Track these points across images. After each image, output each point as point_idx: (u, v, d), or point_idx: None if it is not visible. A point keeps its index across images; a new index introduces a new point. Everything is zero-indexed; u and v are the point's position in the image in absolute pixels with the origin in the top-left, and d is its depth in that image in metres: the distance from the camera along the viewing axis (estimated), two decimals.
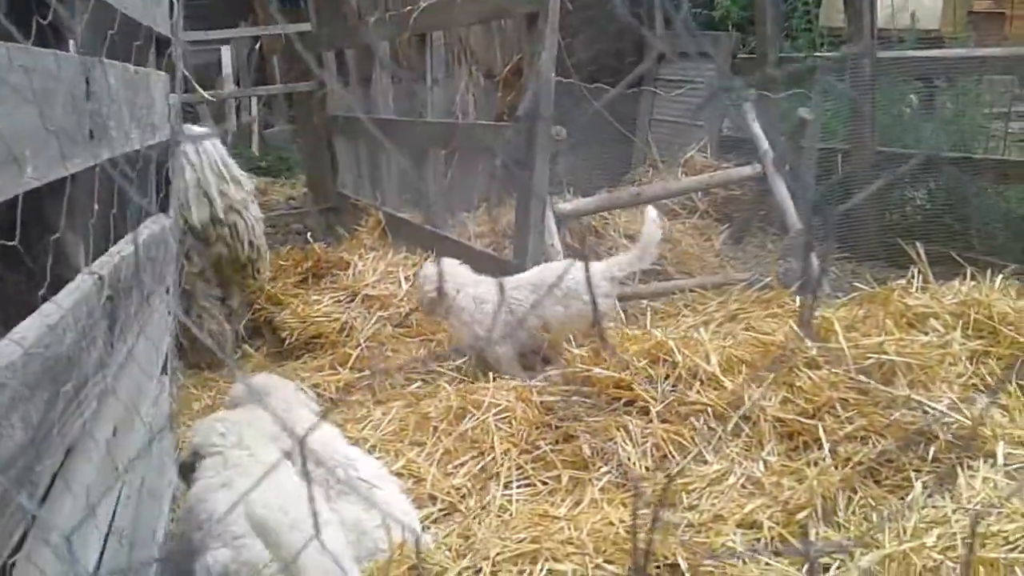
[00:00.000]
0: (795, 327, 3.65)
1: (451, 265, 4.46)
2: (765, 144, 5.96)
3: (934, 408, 3.17)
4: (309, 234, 7.04)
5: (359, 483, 2.88)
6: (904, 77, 6.54)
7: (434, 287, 4.34)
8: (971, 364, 3.50)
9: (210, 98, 5.72)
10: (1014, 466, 2.93)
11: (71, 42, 1.68)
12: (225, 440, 2.69)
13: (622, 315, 4.63)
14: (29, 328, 1.09)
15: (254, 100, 12.35)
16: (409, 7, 5.82)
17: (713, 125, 7.44)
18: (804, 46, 7.97)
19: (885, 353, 3.44)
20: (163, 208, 2.53)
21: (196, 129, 5.00)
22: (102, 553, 1.41)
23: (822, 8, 10.04)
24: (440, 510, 3.11)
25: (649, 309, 4.79)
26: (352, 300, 5.30)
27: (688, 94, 7.53)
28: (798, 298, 4.34)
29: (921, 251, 4.44)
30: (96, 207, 1.56)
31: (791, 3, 8.44)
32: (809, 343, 3.45)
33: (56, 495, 1.18)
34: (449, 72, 6.73)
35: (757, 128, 6.05)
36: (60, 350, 1.18)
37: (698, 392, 3.38)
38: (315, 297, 5.37)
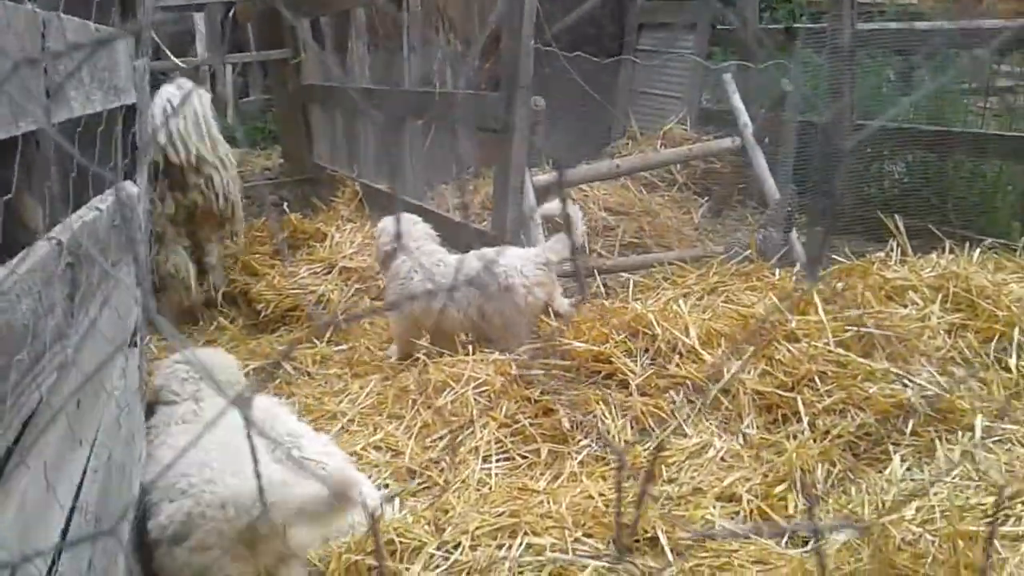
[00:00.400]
0: (776, 300, 3.63)
1: (409, 223, 4.40)
2: (745, 116, 5.92)
3: (913, 381, 3.16)
4: (285, 205, 6.95)
5: (301, 460, 2.83)
6: (883, 50, 6.51)
7: (390, 242, 4.28)
8: (949, 337, 3.49)
9: (183, 65, 5.58)
10: (992, 439, 2.93)
11: None
12: (183, 389, 2.71)
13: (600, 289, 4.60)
14: None
15: (228, 68, 12.14)
16: None
17: (692, 97, 7.38)
18: (784, 17, 7.92)
19: (864, 325, 3.42)
20: (129, 175, 2.45)
21: (187, 83, 5.14)
22: (65, 529, 1.35)
23: None
24: (420, 484, 3.07)
25: (629, 282, 4.74)
26: (329, 272, 5.24)
27: (667, 65, 7.47)
28: (778, 271, 4.31)
29: (900, 224, 4.42)
30: (54, 170, 1.49)
31: None
32: (788, 316, 3.43)
33: (10, 470, 1.12)
34: (426, 40, 6.62)
35: (737, 100, 6.00)
36: (13, 317, 1.11)
37: (677, 365, 3.35)
38: (291, 268, 5.31)
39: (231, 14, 12.10)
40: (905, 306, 3.61)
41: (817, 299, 3.54)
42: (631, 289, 4.66)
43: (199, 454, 2.38)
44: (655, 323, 3.48)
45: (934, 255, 4.17)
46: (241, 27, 12.15)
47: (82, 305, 1.52)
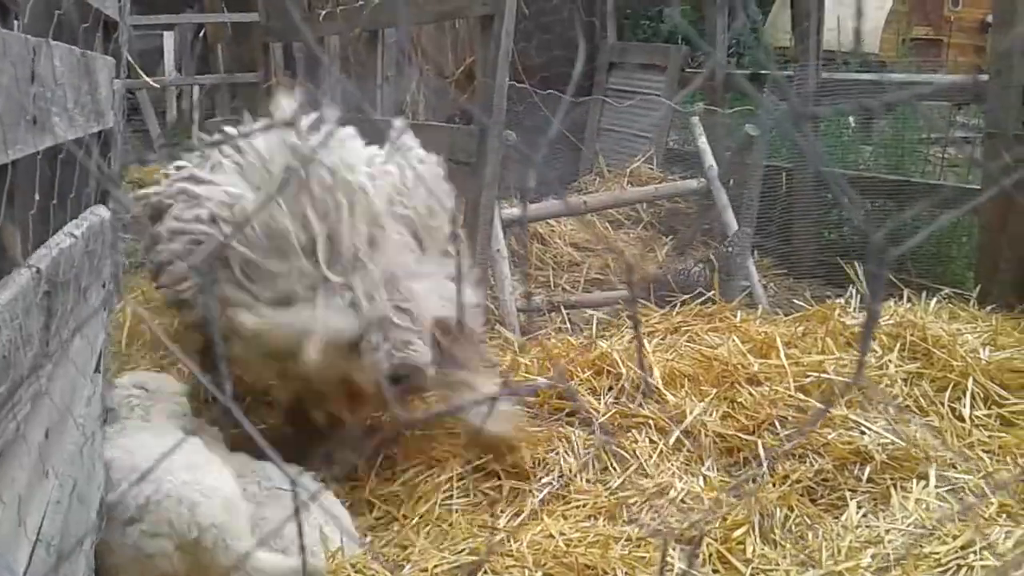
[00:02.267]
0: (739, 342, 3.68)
1: None
2: (710, 158, 6.01)
3: (870, 428, 3.22)
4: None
5: (292, 491, 2.82)
6: (846, 99, 6.67)
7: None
8: (906, 386, 3.56)
9: (154, 84, 5.55)
10: (946, 488, 2.99)
11: (16, 20, 1.60)
12: (132, 414, 2.78)
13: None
14: None
15: (195, 88, 12.08)
16: (361, 2, 5.75)
17: (659, 137, 7.49)
18: (751, 63, 8.08)
19: (825, 372, 3.48)
20: (101, 199, 2.43)
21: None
22: (28, 565, 1.33)
23: (768, 26, 10.22)
24: (377, 519, 3.05)
25: (593, 318, 4.78)
26: None
27: (637, 105, 7.58)
28: (739, 313, 4.37)
29: (860, 271, 4.52)
30: (36, 198, 1.48)
31: (739, 21, 8.55)
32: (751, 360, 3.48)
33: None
34: (400, 70, 6.65)
35: (703, 142, 6.10)
36: None
37: (640, 405, 3.38)
38: None
39: (201, 34, 12.07)
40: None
41: (779, 343, 3.60)
42: (595, 326, 4.70)
43: (160, 447, 2.50)
44: (620, 362, 3.51)
45: (892, 303, 4.26)
46: (210, 47, 12.13)
47: (56, 333, 1.51)
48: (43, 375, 1.37)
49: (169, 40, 11.88)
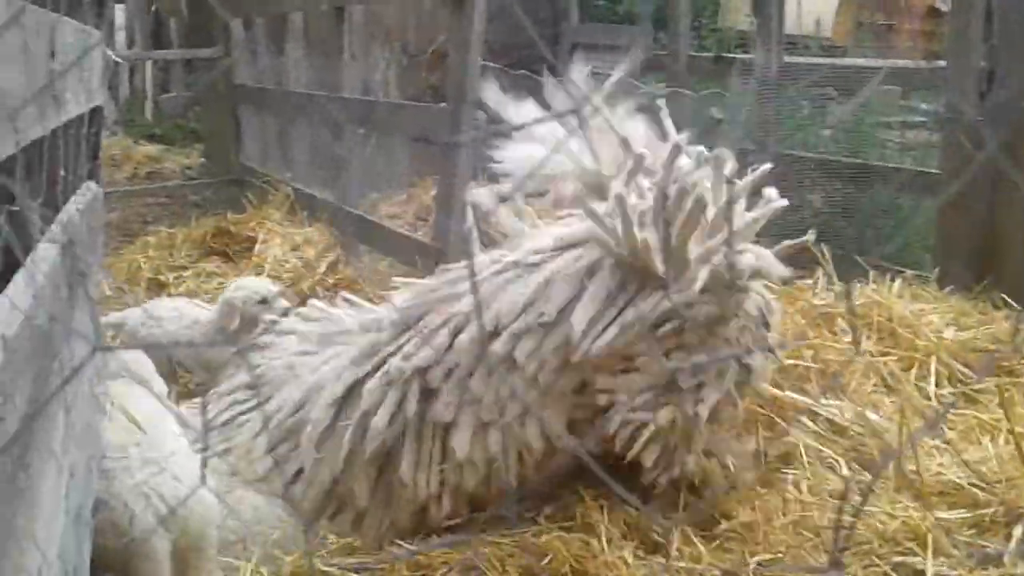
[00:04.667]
0: None
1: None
2: None
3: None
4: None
5: None
6: (807, 83, 6.79)
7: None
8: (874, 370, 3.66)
9: (119, 60, 5.46)
10: None
11: None
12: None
13: None
14: (16, 296, 1.03)
15: (148, 63, 11.87)
16: None
17: None
18: (712, 47, 8.18)
19: (800, 358, 3.56)
20: (92, 176, 2.42)
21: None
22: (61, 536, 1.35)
23: (725, 9, 10.33)
24: None
25: None
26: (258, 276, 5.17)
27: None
28: None
29: (827, 252, 4.62)
30: (47, 173, 1.48)
31: (700, 3, 8.65)
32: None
33: (39, 468, 1.12)
34: (367, 48, 6.62)
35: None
36: (43, 322, 1.12)
37: None
38: (211, 270, 5.23)
39: (153, 8, 11.86)
40: (835, 333, 3.78)
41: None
42: None
43: (119, 438, 2.36)
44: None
45: (858, 284, 4.37)
46: (163, 22, 11.92)
47: (74, 308, 1.51)
48: (71, 348, 1.38)
49: (120, 13, 11.65)
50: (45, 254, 1.32)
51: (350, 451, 2.66)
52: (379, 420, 2.61)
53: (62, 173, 1.58)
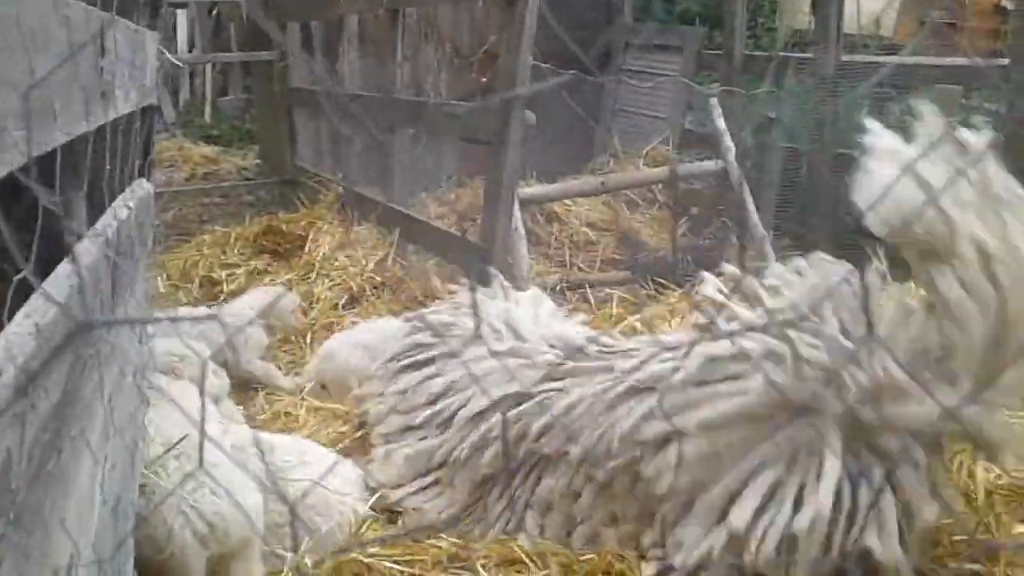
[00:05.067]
0: None
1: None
2: (728, 140, 6.02)
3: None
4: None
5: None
6: (863, 81, 6.66)
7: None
8: None
9: (180, 63, 5.58)
10: None
11: None
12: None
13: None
14: (54, 287, 1.06)
15: (208, 66, 12.09)
16: None
17: (676, 118, 7.49)
18: (768, 46, 8.07)
19: None
20: (143, 173, 2.47)
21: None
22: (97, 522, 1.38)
23: (786, 9, 10.18)
24: None
25: (613, 296, 4.83)
26: (308, 275, 5.24)
27: (653, 86, 7.58)
28: None
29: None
30: (107, 167, 1.52)
31: (757, 2, 8.54)
32: None
33: (67, 459, 1.15)
34: (419, 50, 6.67)
35: (721, 123, 6.11)
36: (80, 313, 1.14)
37: None
38: (262, 267, 5.32)
39: (215, 12, 12.08)
40: None
41: None
42: (614, 304, 4.75)
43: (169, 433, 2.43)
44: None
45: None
46: (224, 25, 12.13)
47: (119, 301, 1.55)
48: (111, 339, 1.41)
49: (182, 17, 11.90)
50: (88, 247, 1.35)
51: None
52: None
53: (109, 169, 1.61)
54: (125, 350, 1.77)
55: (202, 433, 2.50)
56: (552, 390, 2.78)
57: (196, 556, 2.30)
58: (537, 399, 2.77)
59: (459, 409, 3.02)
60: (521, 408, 2.77)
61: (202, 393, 3.09)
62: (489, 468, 2.84)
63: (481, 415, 2.95)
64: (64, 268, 1.18)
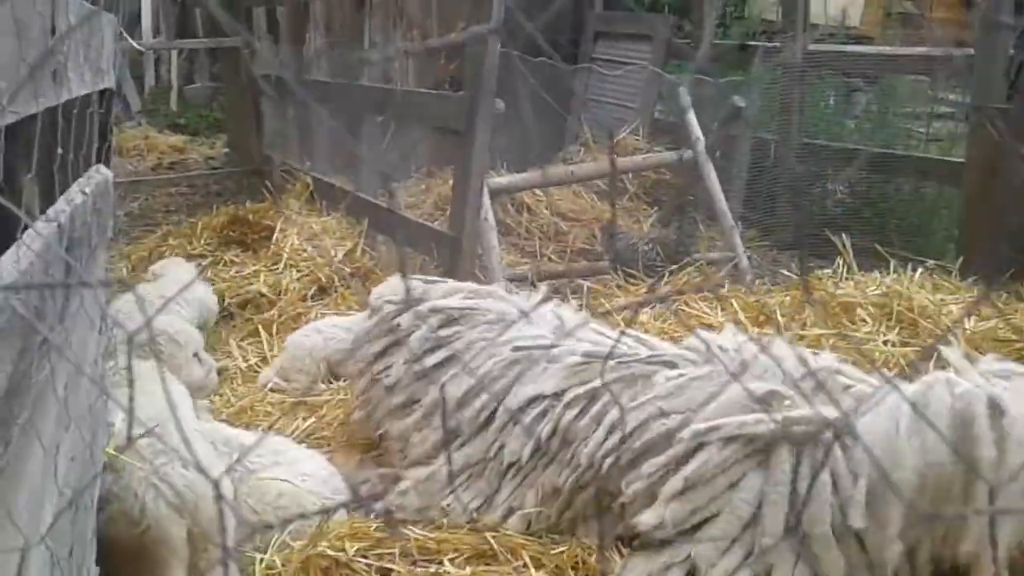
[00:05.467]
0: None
1: None
2: (697, 130, 6.02)
3: None
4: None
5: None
6: (831, 72, 6.70)
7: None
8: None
9: (142, 48, 5.48)
10: None
11: None
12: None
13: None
14: (3, 268, 1.02)
15: (174, 53, 11.91)
16: None
17: (646, 108, 7.49)
18: (737, 35, 8.09)
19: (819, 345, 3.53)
20: (101, 159, 2.41)
21: None
22: (54, 515, 1.34)
23: None
24: None
25: (585, 287, 4.82)
26: (276, 266, 5.18)
27: (623, 75, 7.57)
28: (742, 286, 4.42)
29: (847, 242, 4.57)
30: (58, 151, 1.47)
31: None
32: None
33: (17, 451, 1.11)
34: (387, 37, 6.60)
35: (690, 113, 6.11)
36: (27, 300, 1.11)
37: None
38: (229, 258, 5.25)
39: None
40: (853, 323, 3.74)
41: (779, 315, 3.65)
42: (585, 295, 4.75)
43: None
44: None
45: (877, 274, 4.32)
46: (189, 11, 11.94)
47: (75, 289, 1.51)
48: (66, 327, 1.37)
49: (147, 3, 11.69)
50: (39, 232, 1.31)
51: None
52: None
53: (62, 153, 1.57)
54: (83, 339, 1.73)
55: (172, 407, 2.49)
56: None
57: (174, 527, 2.30)
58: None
59: (498, 405, 2.79)
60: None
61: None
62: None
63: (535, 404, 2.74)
64: (11, 252, 1.14)
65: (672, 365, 2.61)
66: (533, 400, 2.72)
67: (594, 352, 2.76)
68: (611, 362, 2.66)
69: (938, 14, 13.07)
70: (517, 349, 2.84)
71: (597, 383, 2.64)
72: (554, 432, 2.64)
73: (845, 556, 2.19)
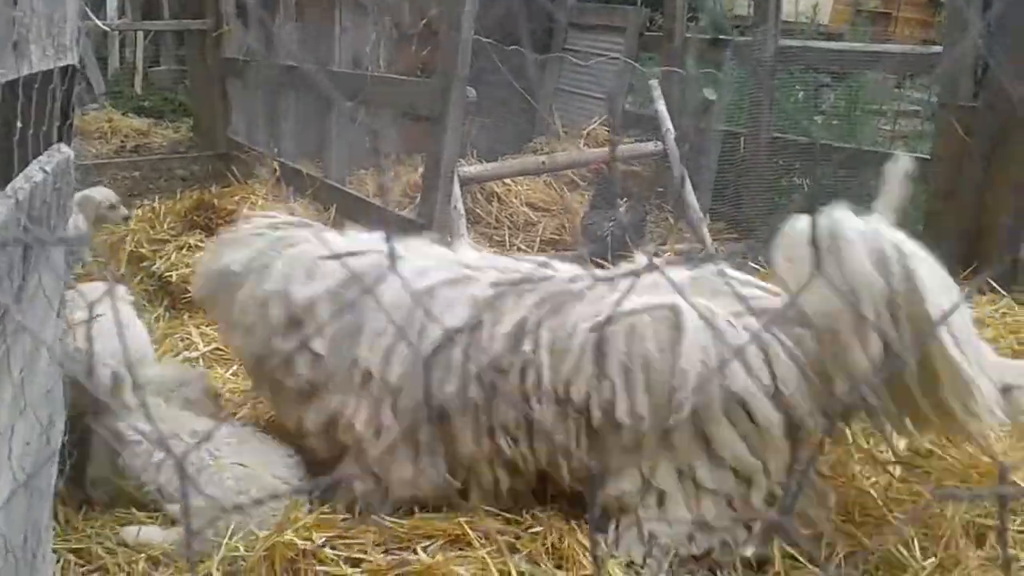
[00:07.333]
0: None
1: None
2: (668, 122, 6.04)
3: None
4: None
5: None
6: (801, 67, 6.74)
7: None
8: None
9: (108, 28, 5.37)
10: None
11: None
12: None
13: None
14: None
15: (139, 35, 11.71)
16: None
17: (616, 99, 7.49)
18: (709, 28, 8.10)
19: None
20: (62, 138, 2.35)
21: None
22: (8, 498, 1.30)
23: None
24: None
25: None
26: None
27: (595, 66, 7.56)
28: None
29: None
30: (17, 125, 1.43)
31: None
32: None
33: None
34: (358, 22, 6.53)
35: (661, 106, 6.12)
36: None
37: None
38: (193, 243, 5.15)
39: None
40: None
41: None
42: None
43: None
44: None
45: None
46: None
47: (33, 268, 1.46)
48: (19, 311, 1.33)
49: None
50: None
51: None
52: None
53: (22, 128, 1.52)
54: (40, 322, 1.68)
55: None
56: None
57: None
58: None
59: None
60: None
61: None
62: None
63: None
64: None
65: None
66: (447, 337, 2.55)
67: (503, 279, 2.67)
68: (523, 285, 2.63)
69: (905, 13, 13.20)
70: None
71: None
72: (480, 369, 2.52)
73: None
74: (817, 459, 2.58)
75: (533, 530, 2.54)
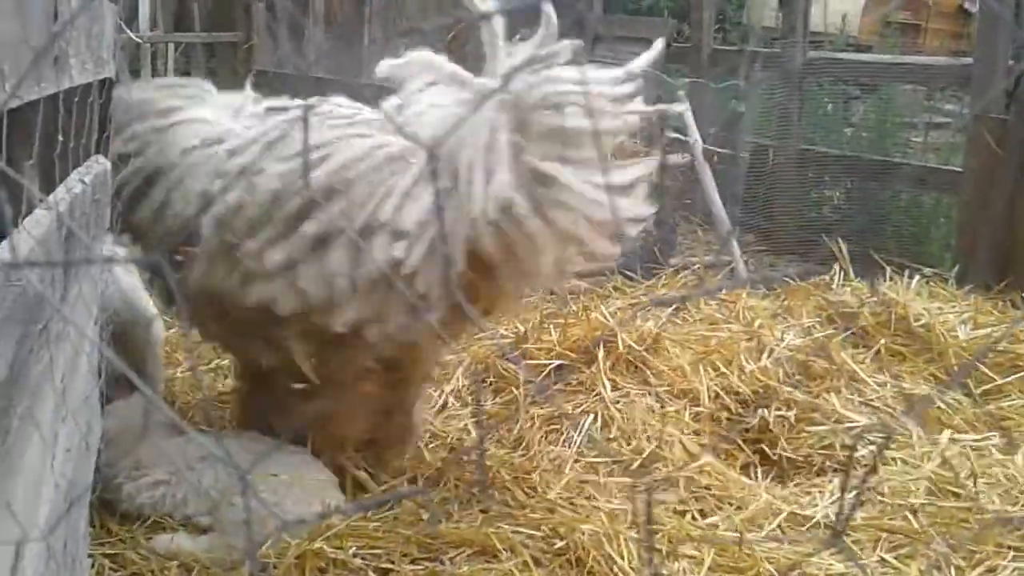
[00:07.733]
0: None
1: None
2: (696, 134, 6.01)
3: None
4: None
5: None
6: (831, 79, 6.71)
7: None
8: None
9: (140, 40, 5.46)
10: None
11: None
12: None
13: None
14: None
15: (171, 47, 11.84)
16: None
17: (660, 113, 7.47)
18: (736, 40, 8.10)
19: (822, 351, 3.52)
20: (100, 150, 2.39)
21: None
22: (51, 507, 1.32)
23: (751, 4, 10.22)
24: None
25: (579, 288, 4.80)
26: None
27: None
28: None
29: (843, 248, 4.57)
30: (58, 139, 1.46)
31: None
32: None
33: (14, 442, 1.09)
34: (387, 32, 6.58)
35: (689, 117, 6.10)
36: (29, 286, 1.09)
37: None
38: None
39: None
40: (848, 328, 3.73)
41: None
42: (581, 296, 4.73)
43: None
44: (617, 332, 3.52)
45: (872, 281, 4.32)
46: (186, 5, 11.89)
47: (74, 277, 1.49)
48: (65, 316, 1.35)
49: None
50: (38, 220, 1.29)
51: None
52: None
53: (63, 141, 1.55)
54: (81, 328, 1.71)
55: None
56: None
57: None
58: None
59: None
60: None
61: None
62: None
63: None
64: (9, 239, 1.12)
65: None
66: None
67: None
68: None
69: (935, 24, 13.11)
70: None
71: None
72: None
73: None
74: None
75: (558, 545, 2.53)
